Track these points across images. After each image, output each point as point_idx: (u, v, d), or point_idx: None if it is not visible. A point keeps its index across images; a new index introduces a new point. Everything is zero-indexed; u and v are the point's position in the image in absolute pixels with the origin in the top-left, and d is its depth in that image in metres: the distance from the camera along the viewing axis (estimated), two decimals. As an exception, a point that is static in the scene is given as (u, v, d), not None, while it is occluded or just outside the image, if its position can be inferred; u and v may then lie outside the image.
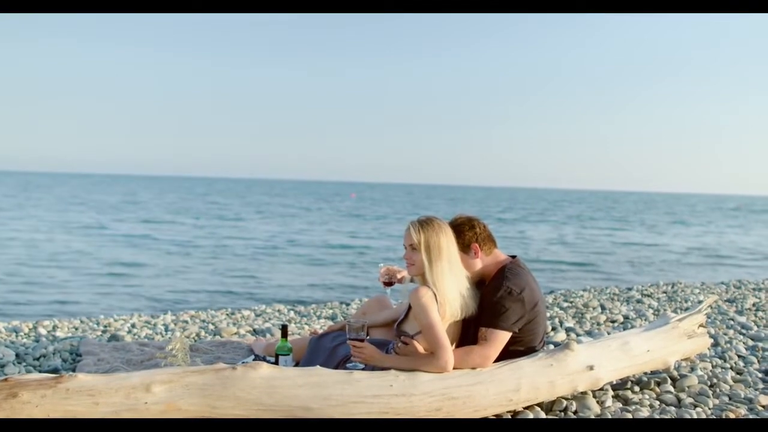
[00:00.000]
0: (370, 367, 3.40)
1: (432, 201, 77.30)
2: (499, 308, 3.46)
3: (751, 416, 3.71)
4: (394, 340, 3.60)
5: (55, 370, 4.49)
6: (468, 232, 3.65)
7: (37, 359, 4.84)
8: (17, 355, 4.88)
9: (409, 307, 3.46)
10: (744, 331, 6.08)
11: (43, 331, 6.00)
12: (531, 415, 3.56)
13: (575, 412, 3.68)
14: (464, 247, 3.64)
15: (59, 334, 5.89)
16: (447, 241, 3.43)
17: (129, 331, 6.00)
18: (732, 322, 6.50)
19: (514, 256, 3.80)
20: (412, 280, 3.64)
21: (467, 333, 3.55)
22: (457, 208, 57.44)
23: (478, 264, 3.69)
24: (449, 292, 3.38)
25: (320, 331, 4.29)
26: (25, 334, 5.90)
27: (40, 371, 4.52)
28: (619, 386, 4.12)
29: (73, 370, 4.48)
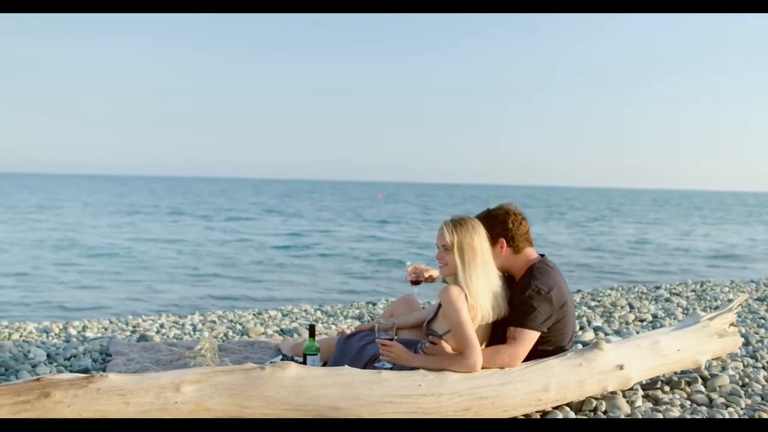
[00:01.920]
0: (398, 366, 3.40)
1: (453, 200, 77.16)
2: (528, 308, 3.44)
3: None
4: (423, 340, 3.59)
5: (85, 370, 4.54)
6: (498, 226, 3.61)
7: (68, 359, 4.90)
8: (48, 355, 4.95)
9: (439, 306, 3.45)
10: (776, 330, 6.00)
11: (73, 331, 6.07)
12: (560, 415, 3.53)
13: (605, 412, 3.65)
14: (493, 238, 3.60)
15: (89, 334, 5.96)
16: (481, 241, 3.40)
17: (157, 332, 6.05)
18: (763, 321, 6.41)
19: (542, 255, 3.76)
20: (444, 280, 3.61)
21: (496, 333, 3.53)
22: (474, 208, 57.07)
23: (502, 258, 3.64)
24: (482, 294, 3.35)
25: (348, 331, 4.30)
26: (55, 334, 5.97)
27: (70, 371, 4.57)
28: (649, 386, 4.08)
29: (104, 370, 4.53)
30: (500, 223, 3.62)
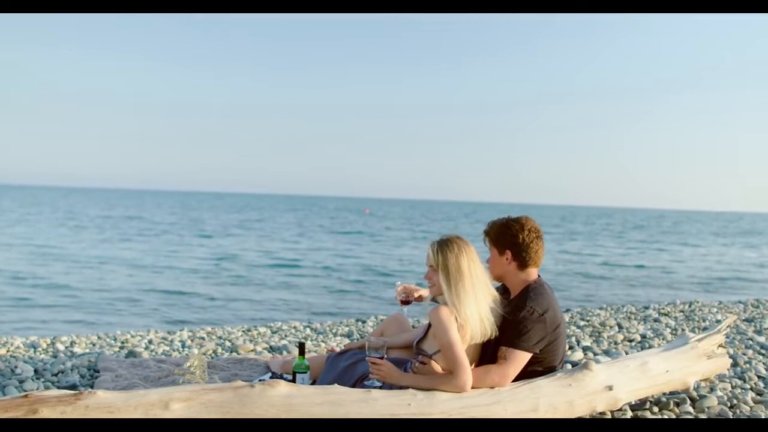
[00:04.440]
0: (387, 385, 3.39)
1: (445, 217, 77.21)
2: (521, 328, 3.43)
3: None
4: (413, 359, 3.59)
5: (73, 386, 4.50)
6: (510, 237, 3.60)
7: (56, 375, 4.86)
8: (36, 371, 4.91)
9: (429, 326, 3.45)
10: (763, 351, 6.02)
11: (60, 346, 6.03)
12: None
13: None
14: (500, 247, 3.63)
15: (77, 349, 5.92)
16: (467, 262, 3.37)
17: (146, 348, 6.02)
18: (751, 342, 6.43)
19: (537, 276, 3.75)
20: (434, 300, 3.60)
21: (485, 352, 3.53)
22: (459, 226, 57.01)
23: (505, 269, 3.65)
24: (470, 315, 3.33)
25: (337, 349, 4.29)
26: (43, 349, 5.94)
27: (58, 387, 4.53)
28: (637, 407, 4.09)
29: (91, 386, 4.50)
30: (512, 236, 3.60)
